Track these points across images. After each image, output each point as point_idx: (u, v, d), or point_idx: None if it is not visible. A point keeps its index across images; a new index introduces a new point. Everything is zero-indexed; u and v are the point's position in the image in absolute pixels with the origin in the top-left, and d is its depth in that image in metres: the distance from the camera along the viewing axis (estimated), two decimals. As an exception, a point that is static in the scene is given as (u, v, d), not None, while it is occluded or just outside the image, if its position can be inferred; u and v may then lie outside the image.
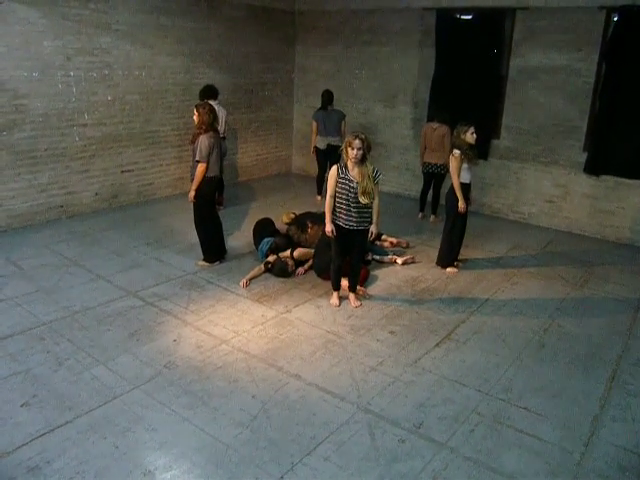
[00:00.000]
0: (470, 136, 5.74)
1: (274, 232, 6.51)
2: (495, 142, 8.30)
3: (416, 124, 9.01)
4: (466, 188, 5.87)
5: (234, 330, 4.71)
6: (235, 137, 9.61)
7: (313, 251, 5.99)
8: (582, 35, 7.23)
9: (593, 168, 7.46)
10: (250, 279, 5.67)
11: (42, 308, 4.91)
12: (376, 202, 4.92)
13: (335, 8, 9.55)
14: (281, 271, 5.78)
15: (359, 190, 4.78)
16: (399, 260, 6.30)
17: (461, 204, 5.82)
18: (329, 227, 4.98)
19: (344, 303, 5.30)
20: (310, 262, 5.99)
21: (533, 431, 3.58)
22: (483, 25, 8.02)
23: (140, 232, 6.99)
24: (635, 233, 7.35)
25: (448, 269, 6.20)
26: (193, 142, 5.71)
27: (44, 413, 3.55)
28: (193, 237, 6.27)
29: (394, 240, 6.83)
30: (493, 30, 7.97)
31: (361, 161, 4.80)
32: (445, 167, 7.52)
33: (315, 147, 8.62)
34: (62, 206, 7.37)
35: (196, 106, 5.71)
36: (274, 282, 5.72)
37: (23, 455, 3.18)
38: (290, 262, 5.86)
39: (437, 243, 6.43)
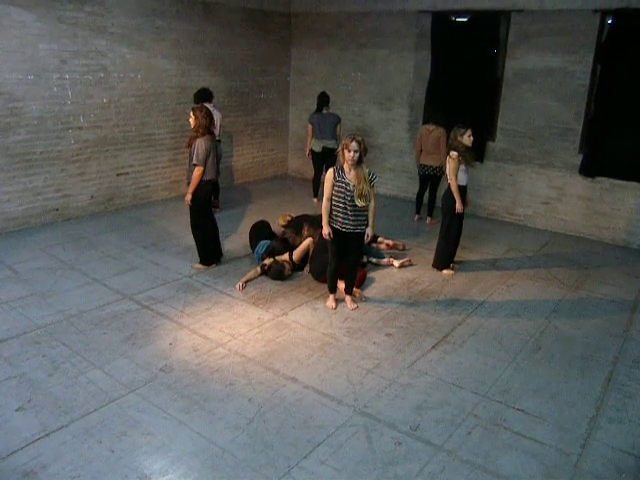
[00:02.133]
0: (467, 138, 5.76)
1: (270, 235, 6.51)
2: (491, 144, 8.32)
3: (412, 126, 9.03)
4: (463, 190, 5.89)
5: (230, 333, 4.70)
6: (231, 140, 9.61)
7: (308, 242, 5.97)
8: (577, 38, 7.26)
9: (588, 170, 7.48)
10: (246, 282, 5.66)
11: (37, 312, 4.89)
12: (372, 204, 4.92)
13: (331, 11, 9.56)
14: (277, 274, 5.77)
15: (356, 193, 4.78)
16: (396, 263, 6.30)
17: (459, 206, 5.83)
18: (326, 230, 4.97)
19: (340, 306, 5.30)
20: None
21: (530, 433, 3.58)
22: (478, 28, 8.05)
23: (136, 235, 6.97)
24: (630, 234, 7.38)
25: (444, 271, 6.20)
26: (189, 145, 5.71)
27: (39, 417, 3.53)
28: (189, 240, 6.26)
29: (390, 242, 6.84)
30: (488, 33, 7.99)
31: (357, 163, 4.80)
32: (441, 169, 7.53)
33: (310, 150, 8.63)
34: (57, 209, 7.35)
35: (193, 109, 5.71)
36: (270, 285, 5.72)
37: (18, 460, 3.17)
38: (287, 266, 5.85)
39: (433, 245, 6.43)
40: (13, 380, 3.91)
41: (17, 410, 3.59)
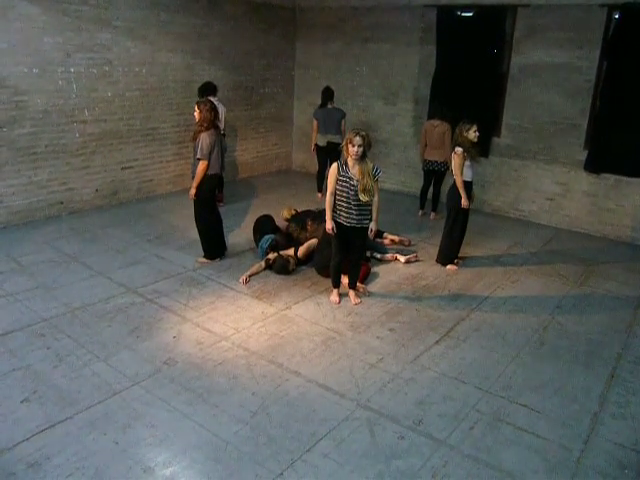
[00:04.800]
0: (473, 134, 5.74)
1: (274, 229, 6.52)
2: (496, 140, 8.29)
3: (417, 121, 9.00)
4: (468, 186, 5.87)
5: (234, 327, 4.71)
6: (235, 134, 9.60)
7: (314, 241, 5.97)
8: (583, 33, 7.22)
9: (593, 166, 7.45)
10: (250, 276, 5.67)
11: (42, 304, 4.92)
12: (376, 199, 4.92)
13: (336, 5, 9.52)
14: (282, 268, 5.78)
15: (359, 188, 4.77)
16: (402, 258, 6.28)
17: (464, 201, 5.82)
18: (329, 224, 4.97)
19: (344, 300, 5.30)
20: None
21: (532, 428, 3.58)
22: (484, 22, 8.00)
23: (140, 229, 6.99)
24: (635, 231, 7.35)
25: (448, 266, 6.20)
26: (194, 139, 5.70)
27: (44, 409, 3.55)
28: (193, 234, 6.27)
29: (396, 238, 6.82)
30: (494, 27, 7.95)
31: (361, 158, 4.79)
32: (446, 164, 7.52)
33: (315, 144, 8.62)
34: (62, 202, 7.37)
35: (197, 103, 5.70)
36: (274, 279, 5.73)
37: (23, 451, 3.19)
38: (292, 260, 5.85)
39: (437, 240, 6.43)
40: (18, 372, 3.93)
41: (22, 402, 3.62)
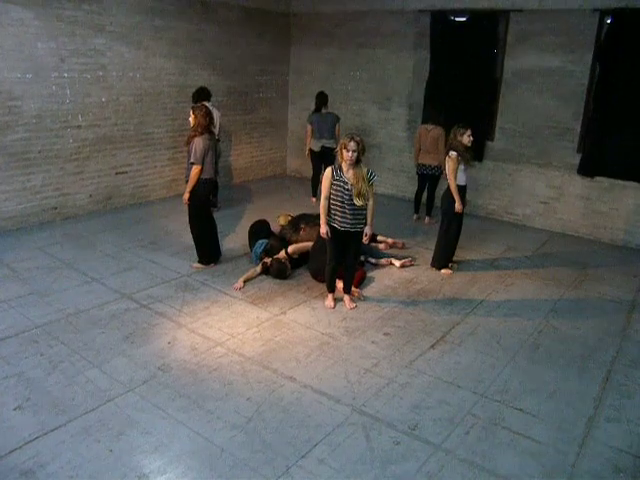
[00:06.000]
0: (467, 138, 5.76)
1: (269, 234, 6.51)
2: (489, 144, 8.32)
3: (411, 126, 9.03)
4: (462, 190, 5.88)
5: (229, 332, 4.69)
6: (230, 139, 9.60)
7: (308, 244, 5.96)
8: (576, 37, 7.27)
9: (587, 169, 7.49)
10: (245, 281, 5.66)
11: (36, 311, 4.89)
12: (370, 204, 4.92)
13: (330, 10, 9.56)
14: (279, 272, 5.76)
15: (354, 192, 4.77)
16: (397, 263, 6.29)
17: (458, 205, 5.83)
18: (324, 229, 4.97)
19: (339, 305, 5.29)
20: None
21: (528, 432, 3.58)
22: (477, 27, 8.05)
23: (134, 234, 6.96)
24: (629, 234, 7.39)
25: (443, 271, 6.20)
26: (188, 144, 5.70)
27: (38, 416, 3.52)
28: (187, 239, 6.26)
29: (390, 241, 6.83)
30: (487, 32, 7.99)
31: (356, 163, 4.80)
32: (440, 169, 7.54)
33: (310, 149, 8.63)
34: (56, 208, 7.34)
35: (192, 108, 5.72)
36: (269, 284, 5.72)
37: (16, 459, 3.16)
38: (289, 265, 5.84)
39: (432, 245, 6.44)
40: (11, 379, 3.90)
41: (15, 409, 3.59)
